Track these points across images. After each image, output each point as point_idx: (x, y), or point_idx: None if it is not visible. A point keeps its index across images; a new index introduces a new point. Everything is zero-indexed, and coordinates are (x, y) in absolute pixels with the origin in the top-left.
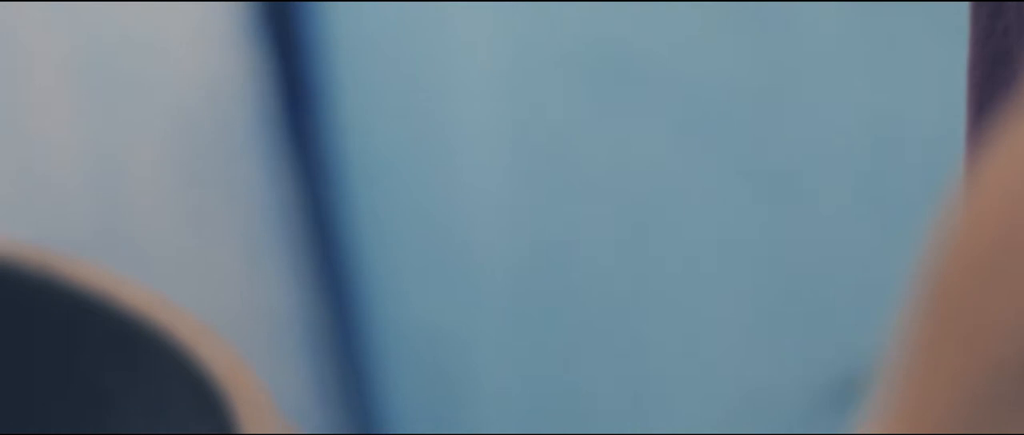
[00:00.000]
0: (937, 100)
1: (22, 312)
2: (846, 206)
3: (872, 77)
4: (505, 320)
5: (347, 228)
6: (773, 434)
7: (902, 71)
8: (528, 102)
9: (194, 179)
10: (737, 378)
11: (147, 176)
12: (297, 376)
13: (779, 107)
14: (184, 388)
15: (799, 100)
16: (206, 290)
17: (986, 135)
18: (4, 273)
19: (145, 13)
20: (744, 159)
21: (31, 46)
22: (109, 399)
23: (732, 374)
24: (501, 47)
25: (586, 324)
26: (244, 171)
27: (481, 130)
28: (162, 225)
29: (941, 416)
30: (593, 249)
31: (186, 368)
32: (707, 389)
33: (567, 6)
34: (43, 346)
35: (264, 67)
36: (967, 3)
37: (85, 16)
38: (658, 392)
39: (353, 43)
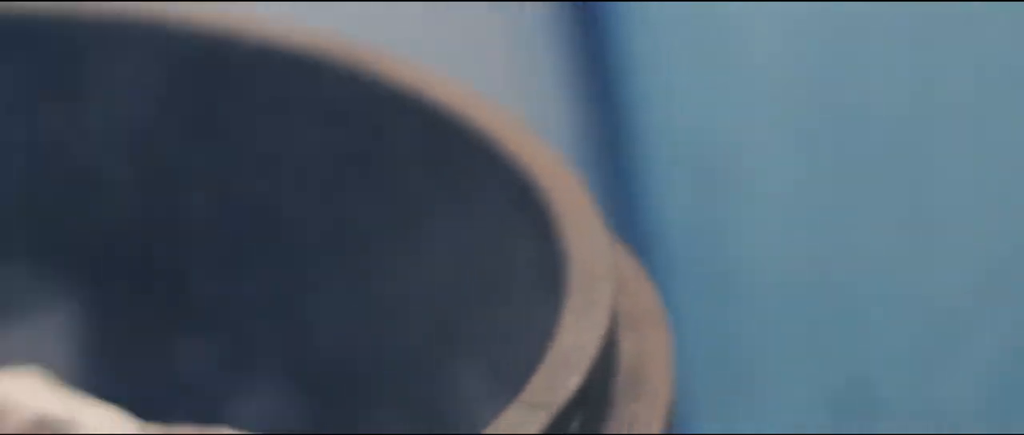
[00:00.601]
0: None
1: (334, 107)
2: None
3: None
4: (779, 127)
5: (621, 34)
6: None
7: None
8: None
9: None
10: None
11: None
12: None
13: None
14: (501, 188)
15: None
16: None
17: None
18: (316, 67)
19: None
20: None
21: None
22: (420, 198)
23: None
24: None
25: (860, 139)
26: None
27: None
28: (432, 37)
29: None
30: (876, 60)
31: (503, 167)
32: (992, 218)
33: None
34: (354, 143)
35: None
36: None
37: None
38: (935, 212)
39: None
